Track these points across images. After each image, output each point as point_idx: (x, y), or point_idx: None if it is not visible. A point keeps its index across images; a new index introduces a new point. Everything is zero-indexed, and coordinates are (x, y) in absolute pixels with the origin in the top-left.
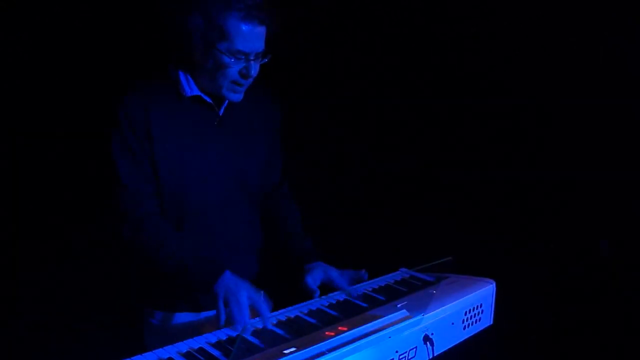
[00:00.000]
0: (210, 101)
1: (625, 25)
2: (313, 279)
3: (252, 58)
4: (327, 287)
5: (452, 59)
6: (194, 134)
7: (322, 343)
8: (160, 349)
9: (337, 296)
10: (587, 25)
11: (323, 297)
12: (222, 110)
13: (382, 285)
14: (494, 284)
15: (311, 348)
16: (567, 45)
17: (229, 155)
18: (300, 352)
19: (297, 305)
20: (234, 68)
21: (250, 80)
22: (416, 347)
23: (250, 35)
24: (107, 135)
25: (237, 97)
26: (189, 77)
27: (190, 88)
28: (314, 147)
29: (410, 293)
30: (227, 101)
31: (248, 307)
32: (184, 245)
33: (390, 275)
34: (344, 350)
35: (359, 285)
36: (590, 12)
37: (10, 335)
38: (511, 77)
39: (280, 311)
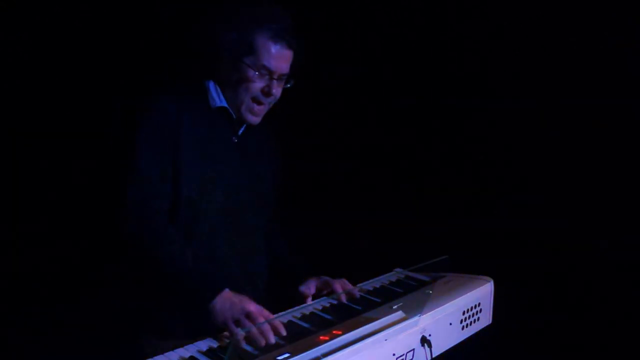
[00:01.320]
0: (235, 117)
1: (625, 25)
2: (307, 288)
3: (275, 77)
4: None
5: (452, 59)
6: (216, 144)
7: (317, 348)
8: (150, 359)
9: (330, 300)
10: (587, 25)
11: (316, 300)
12: (242, 129)
13: (377, 286)
14: (492, 282)
15: (305, 353)
16: (567, 45)
17: (243, 171)
18: (295, 357)
19: (289, 310)
20: (256, 84)
21: (271, 100)
22: (414, 350)
23: (276, 55)
24: (132, 128)
25: (255, 119)
26: (219, 90)
27: (220, 99)
28: (308, 146)
29: (406, 294)
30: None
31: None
32: (186, 254)
33: (384, 276)
34: (339, 354)
35: (352, 288)
36: (590, 12)
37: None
38: (511, 77)
39: (273, 316)
